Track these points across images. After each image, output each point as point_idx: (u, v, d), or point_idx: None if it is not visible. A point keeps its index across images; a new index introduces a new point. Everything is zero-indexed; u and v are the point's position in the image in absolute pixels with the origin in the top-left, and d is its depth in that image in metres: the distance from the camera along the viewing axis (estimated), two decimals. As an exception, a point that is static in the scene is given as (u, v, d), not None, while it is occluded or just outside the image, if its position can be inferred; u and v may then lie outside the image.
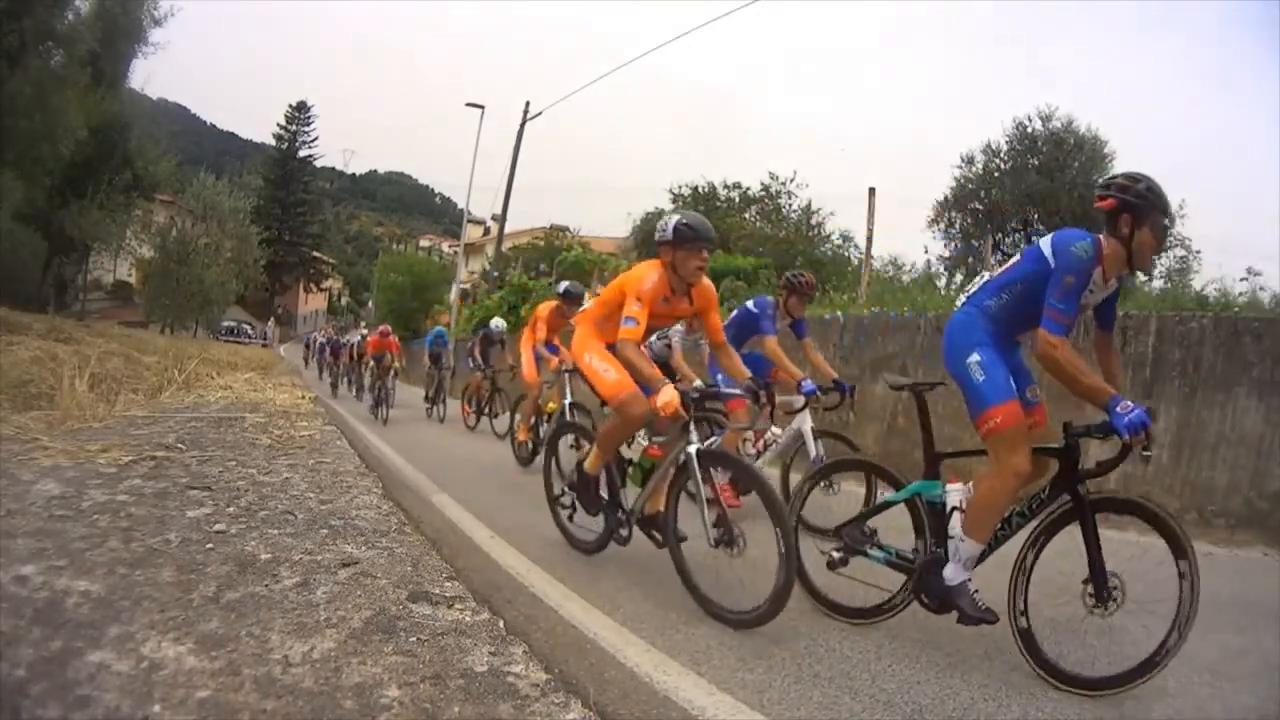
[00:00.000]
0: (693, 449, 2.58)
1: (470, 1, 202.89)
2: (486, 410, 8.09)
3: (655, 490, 2.82)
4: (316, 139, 48.94)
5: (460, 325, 18.85)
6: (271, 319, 38.36)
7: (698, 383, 3.14)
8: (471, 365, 8.09)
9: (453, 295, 23.14)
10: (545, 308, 5.93)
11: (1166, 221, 2.12)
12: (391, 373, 9.22)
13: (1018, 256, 2.29)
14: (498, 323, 8.20)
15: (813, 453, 3.64)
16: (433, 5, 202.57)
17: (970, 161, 16.28)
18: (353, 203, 74.74)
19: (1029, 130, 15.55)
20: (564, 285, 5.97)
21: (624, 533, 2.94)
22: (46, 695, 1.55)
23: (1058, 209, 14.40)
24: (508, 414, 6.84)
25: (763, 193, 19.82)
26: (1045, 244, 2.13)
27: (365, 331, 14.33)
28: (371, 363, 9.89)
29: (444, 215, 78.96)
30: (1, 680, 1.58)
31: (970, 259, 15.01)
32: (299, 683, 1.73)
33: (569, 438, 3.53)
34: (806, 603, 2.59)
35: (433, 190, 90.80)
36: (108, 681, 1.64)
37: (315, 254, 48.34)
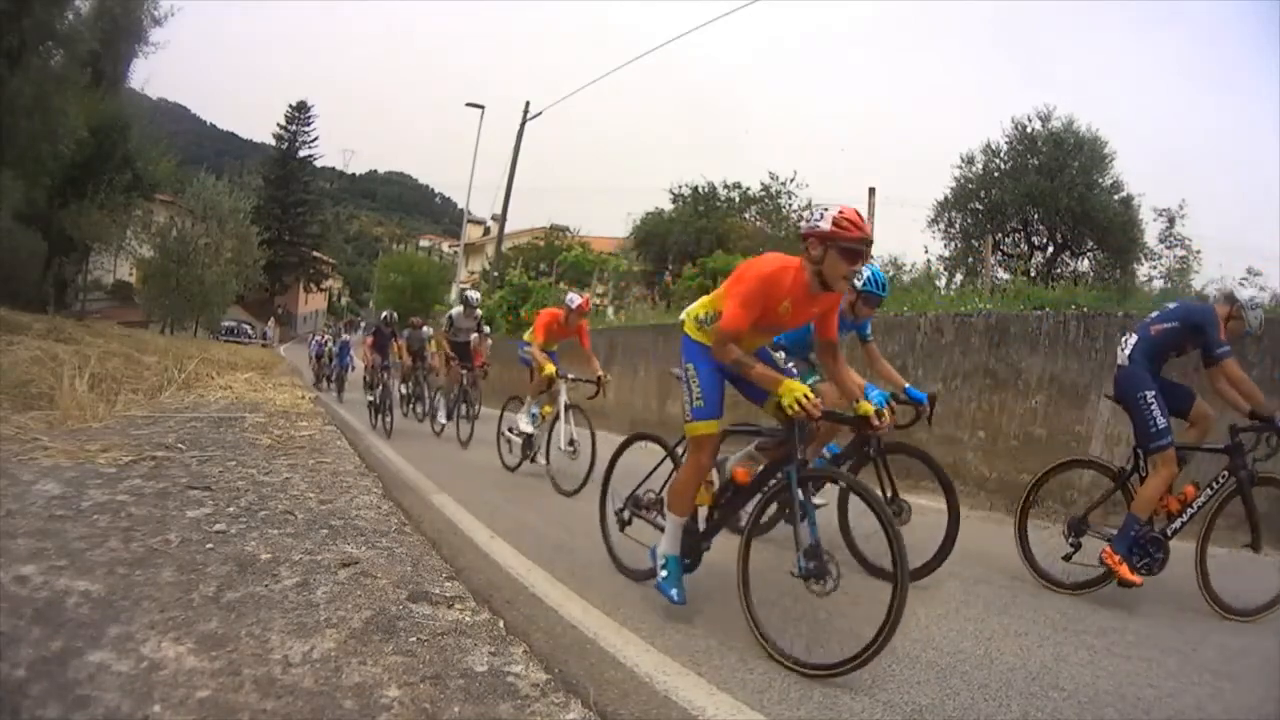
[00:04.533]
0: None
1: (472, 2, 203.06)
2: None
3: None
4: (316, 139, 48.77)
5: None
6: (271, 319, 38.26)
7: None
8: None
9: (453, 295, 23.15)
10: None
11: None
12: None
13: None
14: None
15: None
16: (433, 5, 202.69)
17: (970, 161, 16.19)
18: (353, 203, 74.53)
19: (1029, 130, 15.48)
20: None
21: None
22: (46, 695, 1.55)
23: (1058, 209, 14.37)
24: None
25: (763, 193, 19.76)
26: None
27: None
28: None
29: (444, 215, 78.85)
30: (1, 680, 1.58)
31: (970, 259, 14.97)
32: (299, 683, 1.73)
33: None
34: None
35: (433, 190, 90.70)
36: (108, 681, 1.64)
37: (315, 254, 48.22)
